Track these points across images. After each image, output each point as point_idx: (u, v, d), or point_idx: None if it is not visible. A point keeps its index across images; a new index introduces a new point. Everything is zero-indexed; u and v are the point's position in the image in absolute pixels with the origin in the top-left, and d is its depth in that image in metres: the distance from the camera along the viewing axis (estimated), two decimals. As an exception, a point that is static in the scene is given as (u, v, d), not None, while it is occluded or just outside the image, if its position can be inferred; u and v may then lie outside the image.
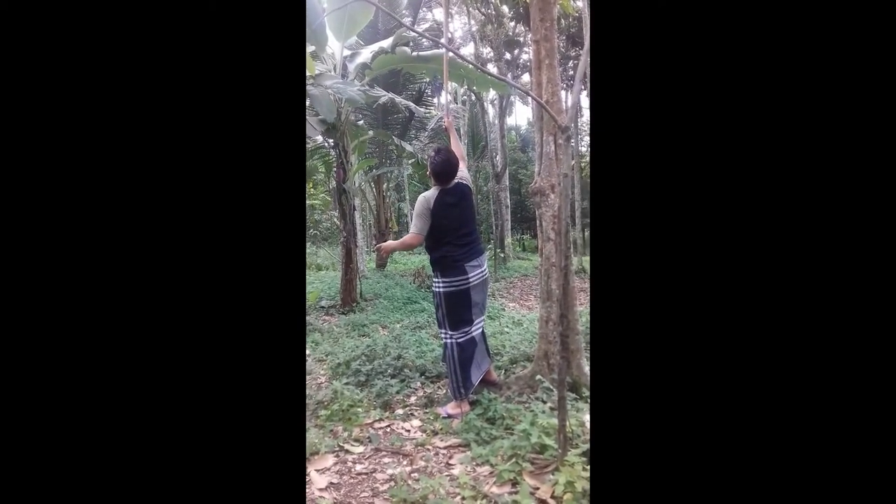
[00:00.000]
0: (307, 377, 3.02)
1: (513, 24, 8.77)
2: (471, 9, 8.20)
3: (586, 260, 8.07)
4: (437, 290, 2.45)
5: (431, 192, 2.44)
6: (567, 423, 1.72)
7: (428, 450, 2.07)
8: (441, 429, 2.23)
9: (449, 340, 2.43)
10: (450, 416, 2.34)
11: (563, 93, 2.58)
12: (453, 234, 2.41)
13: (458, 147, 2.65)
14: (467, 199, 2.49)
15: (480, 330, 2.53)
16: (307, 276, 7.58)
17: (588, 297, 4.93)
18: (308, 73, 4.15)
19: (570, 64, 9.58)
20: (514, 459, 1.80)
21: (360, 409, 2.44)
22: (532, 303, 5.41)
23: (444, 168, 2.41)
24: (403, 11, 8.13)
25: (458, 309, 2.40)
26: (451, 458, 1.99)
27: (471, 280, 2.40)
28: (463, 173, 2.50)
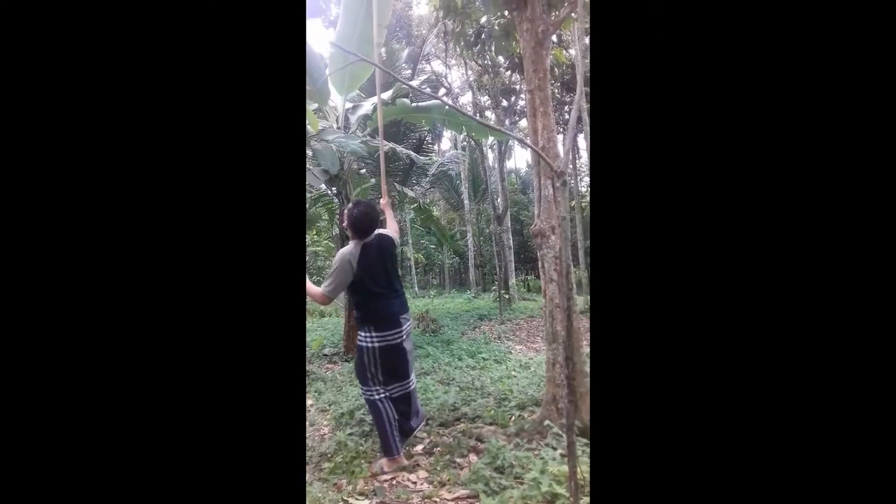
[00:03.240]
0: (310, 428, 2.95)
1: (508, 73, 9.10)
2: (467, 60, 8.55)
3: (591, 299, 7.99)
4: (368, 345, 2.34)
5: (352, 248, 2.34)
6: (578, 470, 1.66)
7: (435, 502, 1.99)
8: (449, 479, 2.16)
9: (379, 396, 2.35)
10: (384, 473, 2.23)
11: (559, 136, 2.65)
12: (385, 287, 2.38)
13: (394, 224, 2.70)
14: (390, 250, 2.47)
15: (414, 385, 2.52)
16: (310, 323, 7.53)
17: (595, 338, 4.85)
18: (312, 131, 4.29)
19: (566, 109, 9.85)
20: (524, 511, 1.73)
21: (364, 461, 2.37)
22: (539, 345, 5.33)
23: (362, 221, 2.36)
24: (402, 64, 8.46)
25: (394, 363, 2.37)
26: (459, 510, 1.92)
27: (404, 332, 2.38)
28: (389, 228, 2.57)
